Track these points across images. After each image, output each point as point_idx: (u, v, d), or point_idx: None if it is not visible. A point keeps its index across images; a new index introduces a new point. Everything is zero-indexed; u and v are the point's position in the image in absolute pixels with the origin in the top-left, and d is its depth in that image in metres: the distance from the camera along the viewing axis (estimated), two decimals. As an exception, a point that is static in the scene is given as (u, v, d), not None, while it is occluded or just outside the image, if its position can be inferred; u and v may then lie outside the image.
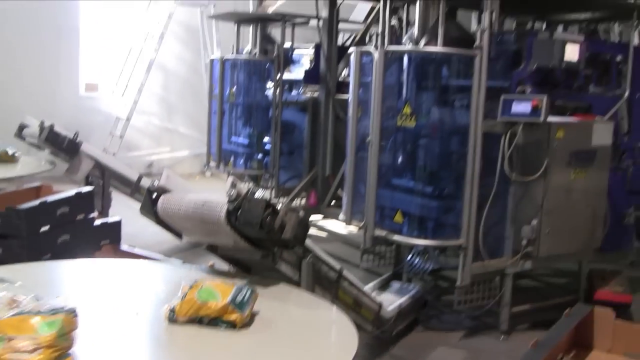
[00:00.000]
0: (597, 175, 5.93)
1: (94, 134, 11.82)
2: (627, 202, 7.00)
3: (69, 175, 7.63)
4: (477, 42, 5.24)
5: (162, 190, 3.44)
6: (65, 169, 7.69)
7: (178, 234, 3.62)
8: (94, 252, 5.43)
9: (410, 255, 6.31)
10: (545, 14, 7.51)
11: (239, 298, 2.77)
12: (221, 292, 2.78)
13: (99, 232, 5.73)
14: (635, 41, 7.30)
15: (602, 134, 5.93)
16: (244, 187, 3.19)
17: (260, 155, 8.77)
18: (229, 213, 3.14)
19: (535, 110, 5.25)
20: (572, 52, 5.74)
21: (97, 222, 5.81)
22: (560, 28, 8.68)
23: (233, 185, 3.14)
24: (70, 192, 5.50)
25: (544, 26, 7.79)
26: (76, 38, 12.44)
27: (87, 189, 5.81)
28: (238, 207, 3.14)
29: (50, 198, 5.34)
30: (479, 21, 5.49)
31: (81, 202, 5.51)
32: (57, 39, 12.05)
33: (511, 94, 5.59)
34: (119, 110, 12.28)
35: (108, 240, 5.75)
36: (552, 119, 5.55)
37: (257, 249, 3.33)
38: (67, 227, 5.28)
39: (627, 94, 6.63)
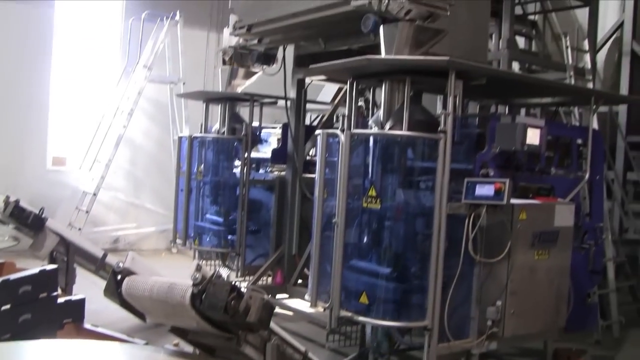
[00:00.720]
0: (560, 256, 6.01)
1: (60, 208, 11.77)
2: (590, 282, 7.08)
3: (33, 252, 7.53)
4: (441, 126, 5.35)
5: (126, 273, 3.43)
6: (29, 245, 7.60)
7: (142, 316, 3.59)
8: (57, 331, 5.36)
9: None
10: (508, 98, 7.71)
11: None
12: None
13: (62, 311, 5.66)
14: (594, 125, 7.49)
15: (564, 215, 6.04)
16: (209, 270, 3.20)
17: (226, 233, 8.75)
18: (193, 296, 3.14)
19: (498, 193, 5.35)
20: (533, 136, 5.89)
21: (61, 300, 5.74)
22: (522, 111, 8.92)
23: (198, 269, 3.15)
24: (34, 270, 5.44)
25: (507, 109, 7.98)
26: (45, 112, 12.50)
27: (51, 267, 5.76)
28: (203, 291, 3.14)
29: (13, 276, 5.27)
30: (444, 105, 5.61)
31: (45, 281, 5.45)
32: (25, 112, 12.10)
33: (475, 177, 5.69)
34: (86, 184, 12.23)
35: (71, 319, 5.68)
36: (515, 201, 5.65)
37: (221, 332, 3.32)
38: (29, 306, 5.20)
39: (587, 176, 6.78)
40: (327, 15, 6.37)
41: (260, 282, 8.56)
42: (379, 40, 5.88)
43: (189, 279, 3.17)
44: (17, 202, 7.37)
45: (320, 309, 5.98)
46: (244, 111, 9.11)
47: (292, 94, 8.61)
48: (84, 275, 7.93)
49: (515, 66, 9.73)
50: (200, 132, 9.23)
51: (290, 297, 8.45)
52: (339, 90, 9.89)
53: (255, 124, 8.92)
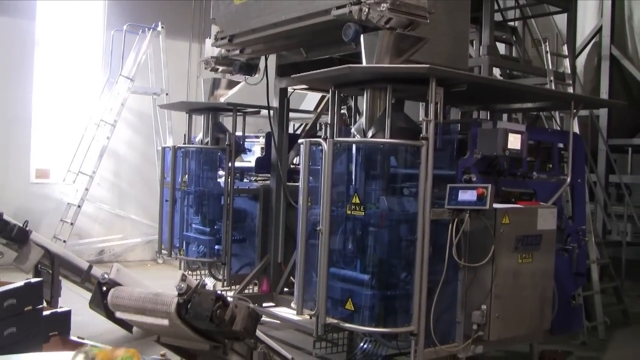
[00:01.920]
0: (543, 259, 6.06)
1: (45, 221, 11.74)
2: (575, 284, 7.13)
3: (18, 265, 7.50)
4: (423, 133, 5.39)
5: (112, 284, 3.44)
6: (13, 258, 7.57)
7: (128, 327, 3.60)
8: (42, 344, 5.33)
9: (362, 342, 6.31)
10: (489, 104, 7.76)
11: None
12: None
13: (47, 324, 5.63)
14: (575, 128, 7.55)
15: (546, 218, 6.09)
16: (194, 280, 3.22)
17: (212, 243, 8.74)
18: (179, 306, 3.16)
19: (481, 198, 5.39)
20: (514, 141, 5.94)
21: (46, 312, 5.71)
22: (504, 116, 8.98)
23: (183, 279, 3.17)
24: (19, 283, 5.40)
25: (488, 115, 8.03)
26: (28, 124, 12.45)
27: (36, 280, 5.73)
28: (188, 301, 3.16)
29: (-3, 290, 5.24)
30: (425, 111, 5.65)
31: (30, 294, 5.41)
32: (7, 125, 12.07)
33: (457, 183, 5.74)
34: (70, 196, 12.20)
35: (57, 332, 5.66)
36: (497, 205, 5.70)
37: (207, 341, 3.34)
38: (14, 320, 5.16)
39: (569, 179, 6.83)
40: (308, 25, 6.40)
41: (246, 291, 8.56)
42: (360, 49, 5.91)
43: (174, 289, 3.19)
44: (0, 215, 7.35)
45: (307, 317, 6.00)
46: (227, 121, 9.11)
47: (274, 103, 8.63)
48: (69, 287, 7.91)
49: (496, 72, 9.81)
50: (184, 142, 9.23)
51: (277, 305, 8.45)
52: (322, 98, 9.92)
53: (239, 133, 8.92)
